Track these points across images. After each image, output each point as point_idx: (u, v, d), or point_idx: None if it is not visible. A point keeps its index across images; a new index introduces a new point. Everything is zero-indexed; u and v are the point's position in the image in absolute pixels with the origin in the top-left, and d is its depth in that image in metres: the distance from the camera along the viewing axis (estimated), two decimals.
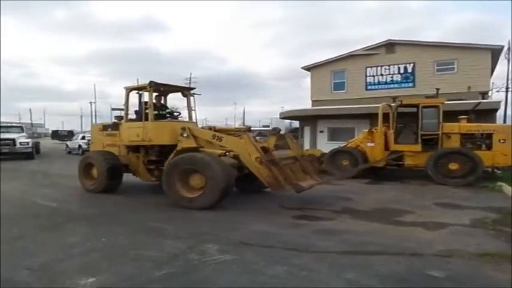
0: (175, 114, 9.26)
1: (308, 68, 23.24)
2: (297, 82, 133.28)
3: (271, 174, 6.59)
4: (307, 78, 24.45)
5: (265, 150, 7.32)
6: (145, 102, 8.31)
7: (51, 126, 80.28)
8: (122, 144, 8.84)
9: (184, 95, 9.25)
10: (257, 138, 8.37)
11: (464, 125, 10.90)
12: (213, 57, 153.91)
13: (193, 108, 9.20)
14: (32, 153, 19.35)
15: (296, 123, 32.00)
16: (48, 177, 11.65)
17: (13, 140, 18.88)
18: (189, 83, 62.59)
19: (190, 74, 57.68)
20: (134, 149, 8.66)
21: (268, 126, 70.45)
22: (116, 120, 9.75)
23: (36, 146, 21.34)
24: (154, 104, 8.46)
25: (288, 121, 46.06)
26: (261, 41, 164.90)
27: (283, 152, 8.07)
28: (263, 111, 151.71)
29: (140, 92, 8.50)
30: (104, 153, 8.96)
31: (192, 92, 9.24)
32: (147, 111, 8.08)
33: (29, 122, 71.93)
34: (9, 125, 24.18)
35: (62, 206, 7.14)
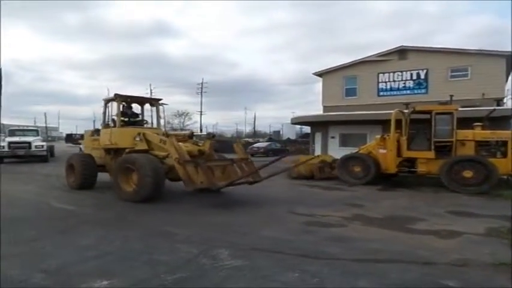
0: (144, 122, 10.52)
1: (320, 74, 23.23)
2: (309, 87, 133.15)
3: (185, 173, 7.44)
4: (318, 83, 24.44)
5: (201, 152, 8.66)
6: (123, 112, 9.73)
7: (65, 130, 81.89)
8: (100, 147, 9.98)
9: (152, 105, 10.50)
10: (199, 142, 9.52)
11: (479, 132, 10.74)
12: (224, 62, 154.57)
13: (161, 116, 10.47)
14: (46, 156, 19.75)
15: (307, 129, 31.94)
16: (62, 180, 11.82)
17: (29, 143, 19.33)
18: (201, 87, 63.94)
19: (202, 79, 58.75)
20: (108, 151, 9.83)
21: (279, 131, 70.61)
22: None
23: (51, 149, 21.76)
24: (125, 112, 9.96)
25: (298, 126, 46.01)
26: (272, 46, 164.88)
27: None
28: (274, 116, 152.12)
29: (124, 103, 9.86)
30: (82, 156, 10.36)
31: (160, 102, 10.45)
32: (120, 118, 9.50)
33: (44, 125, 73.32)
34: (25, 128, 24.77)
35: (76, 209, 7.26)
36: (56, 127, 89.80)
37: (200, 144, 9.17)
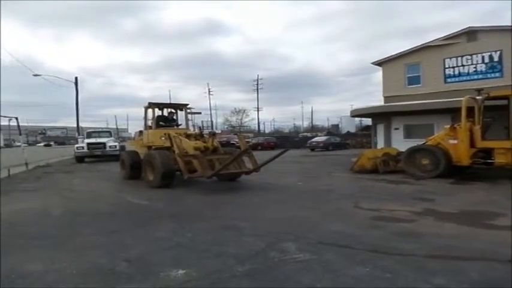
0: (180, 125, 12.45)
1: (379, 63, 22.22)
2: (367, 77, 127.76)
3: (183, 165, 9.23)
4: (377, 73, 23.41)
5: (206, 147, 10.04)
6: (159, 116, 12.04)
7: (133, 130, 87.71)
8: (143, 145, 12.00)
9: (181, 110, 12.62)
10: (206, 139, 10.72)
11: None
12: (277, 56, 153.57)
13: (190, 119, 12.96)
14: (119, 155, 21.36)
15: (367, 121, 30.81)
16: None
17: (104, 143, 21.17)
18: (257, 83, 64.96)
19: (258, 75, 59.48)
20: (149, 148, 11.55)
21: (337, 125, 68.97)
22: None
23: (123, 149, 23.47)
24: (165, 117, 12.31)
25: (358, 119, 44.50)
26: (325, 36, 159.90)
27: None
28: (331, 109, 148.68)
29: (171, 109, 12.54)
30: (130, 153, 12.61)
31: (188, 107, 12.73)
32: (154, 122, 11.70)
33: (115, 127, 79.29)
34: (99, 130, 27.04)
35: (151, 204, 7.80)
36: (125, 128, 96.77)
37: (207, 141, 10.58)
